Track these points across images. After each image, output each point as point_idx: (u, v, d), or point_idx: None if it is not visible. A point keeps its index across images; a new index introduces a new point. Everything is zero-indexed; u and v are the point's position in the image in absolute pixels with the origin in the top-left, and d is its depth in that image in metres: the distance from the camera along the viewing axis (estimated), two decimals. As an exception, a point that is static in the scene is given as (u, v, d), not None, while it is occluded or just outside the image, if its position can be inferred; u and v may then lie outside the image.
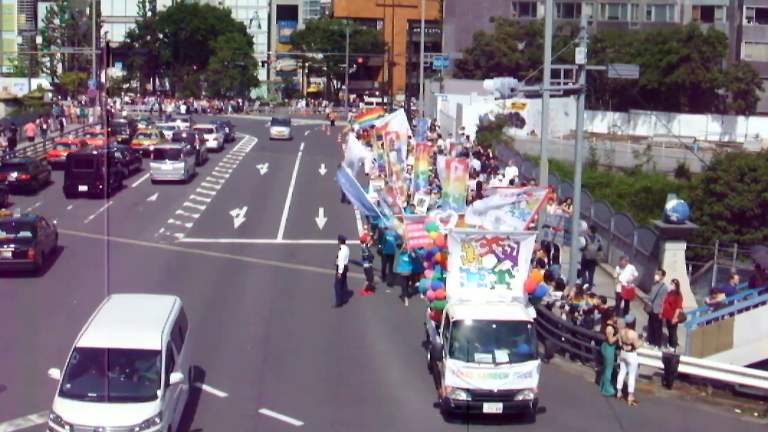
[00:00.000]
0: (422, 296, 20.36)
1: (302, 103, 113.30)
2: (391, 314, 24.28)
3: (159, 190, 42.37)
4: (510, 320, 17.66)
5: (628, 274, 23.07)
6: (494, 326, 17.56)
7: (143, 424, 14.50)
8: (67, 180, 39.71)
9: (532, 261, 19.46)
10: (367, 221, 30.84)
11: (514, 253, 18.08)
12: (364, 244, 26.01)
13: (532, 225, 22.33)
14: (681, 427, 18.28)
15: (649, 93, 68.45)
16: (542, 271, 21.69)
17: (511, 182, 36.29)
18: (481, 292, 18.16)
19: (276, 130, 68.06)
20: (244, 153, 59.56)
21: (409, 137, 40.16)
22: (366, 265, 25.74)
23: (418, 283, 21.19)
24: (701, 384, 19.69)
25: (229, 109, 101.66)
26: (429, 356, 19.25)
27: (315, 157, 56.32)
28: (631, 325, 19.36)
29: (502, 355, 17.00)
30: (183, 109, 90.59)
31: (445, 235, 19.31)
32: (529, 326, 17.42)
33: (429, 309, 19.71)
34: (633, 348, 18.77)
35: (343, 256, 24.58)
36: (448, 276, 18.52)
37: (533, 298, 18.97)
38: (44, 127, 60.48)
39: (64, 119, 69.15)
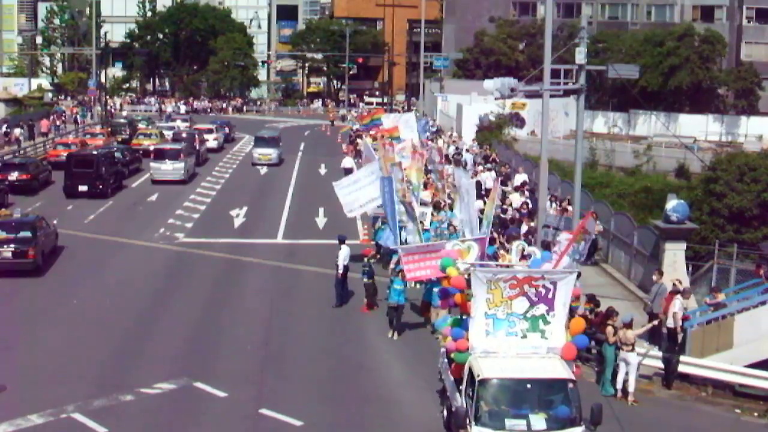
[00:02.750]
0: (439, 337, 17.55)
1: (318, 103, 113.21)
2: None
3: (159, 190, 42.38)
4: (547, 378, 14.84)
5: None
6: (529, 386, 14.77)
7: None
8: (67, 180, 39.73)
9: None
10: (372, 224, 29.82)
11: (550, 296, 15.31)
12: (366, 259, 24.18)
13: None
14: (681, 427, 18.28)
15: (649, 93, 68.48)
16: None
17: (516, 189, 36.04)
18: (510, 343, 15.32)
19: (259, 153, 52.04)
20: (244, 153, 59.49)
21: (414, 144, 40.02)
22: (366, 280, 24.02)
23: (435, 321, 17.93)
24: (701, 384, 19.71)
25: (230, 109, 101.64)
26: (445, 413, 16.54)
27: (315, 157, 56.34)
28: (629, 325, 19.33)
29: (538, 421, 14.33)
30: (182, 109, 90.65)
31: (468, 275, 16.22)
32: (570, 385, 14.65)
33: (445, 359, 16.96)
34: (633, 348, 18.77)
35: (343, 256, 24.54)
36: (471, 323, 15.60)
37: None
38: (57, 123, 63.85)
39: (78, 117, 71.60)
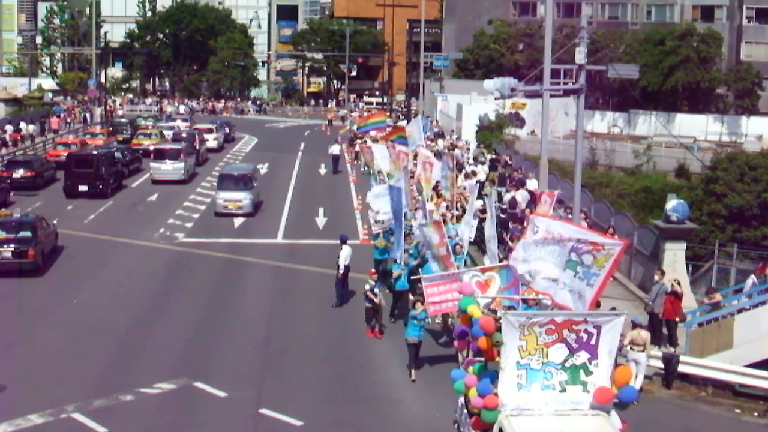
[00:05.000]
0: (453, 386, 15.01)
1: (333, 104, 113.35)
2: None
3: (159, 190, 42.39)
4: None
5: None
6: None
7: None
8: (67, 180, 39.77)
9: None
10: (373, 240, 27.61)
11: (593, 342, 13.18)
12: (369, 282, 22.27)
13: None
14: (681, 427, 18.28)
15: (649, 93, 68.48)
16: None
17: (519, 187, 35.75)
18: (547, 398, 13.16)
19: (225, 199, 36.20)
20: (244, 153, 59.56)
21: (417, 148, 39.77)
22: (367, 305, 22.28)
23: (452, 374, 15.23)
24: (701, 384, 19.71)
25: (251, 111, 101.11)
26: None
27: (315, 157, 56.33)
28: (641, 326, 19.31)
29: None
30: (182, 108, 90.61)
31: (497, 318, 14.05)
32: None
33: (464, 410, 14.65)
34: (644, 348, 18.82)
35: (343, 256, 24.53)
36: (500, 374, 13.43)
37: (620, 403, 13.80)
38: (68, 120, 67.36)
39: (88, 115, 73.87)
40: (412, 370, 19.68)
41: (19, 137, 55.72)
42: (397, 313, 23.12)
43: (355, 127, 61.72)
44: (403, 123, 56.14)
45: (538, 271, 16.01)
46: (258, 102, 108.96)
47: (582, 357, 13.22)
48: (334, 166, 50.35)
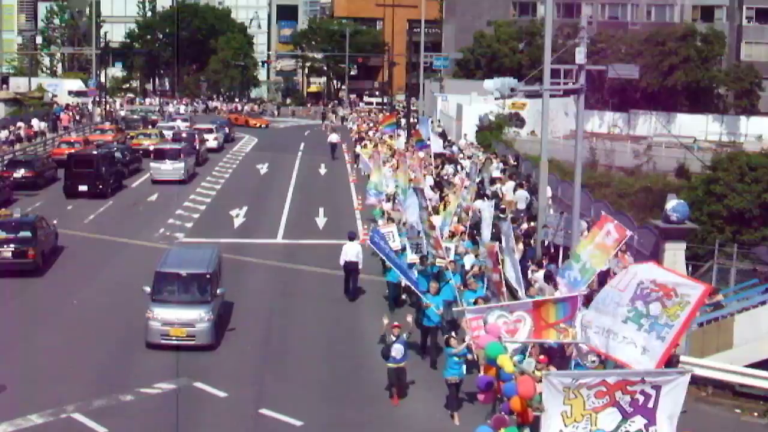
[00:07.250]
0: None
1: (343, 107, 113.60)
2: (392, 314, 24.15)
3: (159, 190, 42.37)
4: None
5: None
6: None
7: None
8: (67, 180, 39.79)
9: None
10: (383, 263, 24.77)
11: (650, 405, 11.40)
12: (390, 337, 17.96)
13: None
14: (681, 427, 18.26)
15: (649, 93, 68.47)
16: None
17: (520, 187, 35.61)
18: None
19: (164, 321, 20.70)
20: (244, 153, 59.57)
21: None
22: (389, 365, 17.98)
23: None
24: (701, 384, 19.71)
25: (273, 112, 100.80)
26: None
27: (315, 157, 56.32)
28: None
29: None
30: (182, 109, 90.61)
31: (538, 379, 12.17)
32: None
33: None
34: None
35: (344, 252, 24.70)
36: None
37: None
38: (77, 118, 69.81)
39: (92, 113, 75.71)
40: (456, 414, 17.24)
41: (32, 133, 56.79)
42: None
43: (354, 126, 61.78)
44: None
45: (590, 322, 13.71)
46: (275, 103, 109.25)
47: (638, 423, 11.46)
48: (332, 153, 54.86)
